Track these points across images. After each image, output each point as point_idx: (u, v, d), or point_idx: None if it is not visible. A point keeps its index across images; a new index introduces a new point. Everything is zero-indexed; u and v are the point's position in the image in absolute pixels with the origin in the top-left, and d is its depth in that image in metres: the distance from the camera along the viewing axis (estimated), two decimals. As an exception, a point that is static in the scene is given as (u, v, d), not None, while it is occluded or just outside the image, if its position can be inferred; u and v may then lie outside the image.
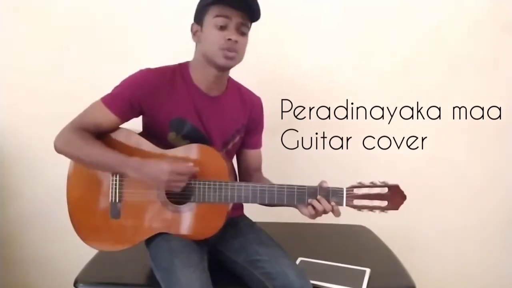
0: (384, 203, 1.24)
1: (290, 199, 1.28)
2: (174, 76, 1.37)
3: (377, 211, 1.25)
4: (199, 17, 1.33)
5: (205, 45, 1.31)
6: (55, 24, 1.88)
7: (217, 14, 1.27)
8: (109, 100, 1.33)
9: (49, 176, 1.95)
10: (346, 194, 1.25)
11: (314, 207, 1.26)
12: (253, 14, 1.30)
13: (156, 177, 1.26)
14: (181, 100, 1.36)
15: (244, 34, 1.31)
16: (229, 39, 1.27)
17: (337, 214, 1.27)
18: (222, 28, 1.28)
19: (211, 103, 1.39)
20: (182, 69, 1.39)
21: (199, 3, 1.34)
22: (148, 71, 1.35)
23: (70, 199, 1.37)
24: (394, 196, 1.24)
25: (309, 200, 1.26)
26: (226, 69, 1.36)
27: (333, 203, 1.25)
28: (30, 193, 2.00)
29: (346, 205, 1.25)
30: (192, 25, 1.36)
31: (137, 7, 1.88)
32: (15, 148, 1.97)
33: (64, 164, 1.38)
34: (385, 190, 1.24)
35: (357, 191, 1.25)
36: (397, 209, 1.24)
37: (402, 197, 1.24)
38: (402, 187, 1.24)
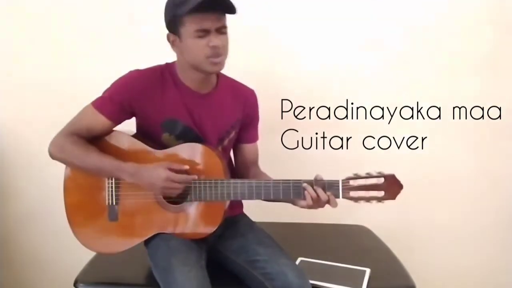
0: (381, 193, 1.22)
1: (286, 194, 1.27)
2: (164, 76, 1.35)
3: (374, 202, 1.22)
4: (173, 28, 1.27)
5: (189, 56, 1.28)
6: (55, 24, 1.88)
7: (196, 29, 1.22)
8: (100, 104, 1.31)
9: (49, 176, 1.93)
10: (342, 186, 1.23)
11: (311, 197, 1.24)
12: (229, 10, 1.23)
13: (152, 183, 1.26)
14: (172, 101, 1.34)
15: (224, 33, 1.27)
16: (214, 46, 1.24)
17: (333, 204, 1.24)
18: (203, 36, 1.23)
19: (202, 101, 1.37)
20: (170, 69, 1.36)
21: (168, 12, 1.27)
22: (137, 73, 1.34)
23: (67, 204, 1.37)
24: (391, 186, 1.21)
25: (304, 189, 1.24)
26: (216, 73, 1.35)
27: (329, 193, 1.23)
28: (29, 193, 2.00)
29: (343, 197, 1.23)
30: (168, 35, 1.30)
31: (139, 7, 1.88)
32: (14, 148, 1.96)
33: (62, 164, 1.38)
34: (381, 180, 1.22)
35: (353, 182, 1.23)
36: (394, 198, 1.21)
37: (399, 186, 1.21)
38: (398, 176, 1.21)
